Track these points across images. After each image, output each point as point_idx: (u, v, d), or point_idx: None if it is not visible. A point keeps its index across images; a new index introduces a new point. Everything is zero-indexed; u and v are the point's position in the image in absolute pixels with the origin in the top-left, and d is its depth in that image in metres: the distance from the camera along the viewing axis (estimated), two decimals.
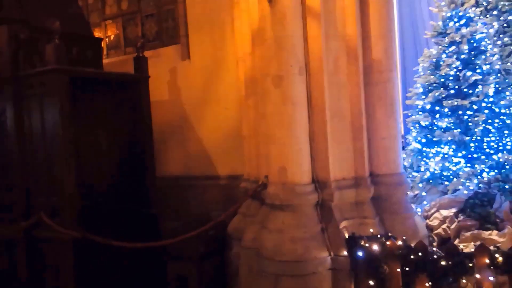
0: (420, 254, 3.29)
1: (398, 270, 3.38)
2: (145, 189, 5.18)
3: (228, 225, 4.66)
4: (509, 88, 5.18)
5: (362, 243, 3.57)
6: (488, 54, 5.02)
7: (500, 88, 5.05)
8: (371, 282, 3.48)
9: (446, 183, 4.86)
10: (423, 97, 5.15)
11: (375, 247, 3.47)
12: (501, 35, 5.62)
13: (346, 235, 3.80)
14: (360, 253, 3.54)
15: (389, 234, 3.68)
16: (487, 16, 5.66)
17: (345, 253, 3.71)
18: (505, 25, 5.66)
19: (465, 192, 4.62)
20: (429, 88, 5.11)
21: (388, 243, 3.48)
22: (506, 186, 4.67)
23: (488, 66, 4.96)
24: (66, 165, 4.37)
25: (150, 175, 5.23)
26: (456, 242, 4.36)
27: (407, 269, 3.36)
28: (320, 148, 4.08)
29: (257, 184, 4.35)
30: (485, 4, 5.75)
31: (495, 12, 5.68)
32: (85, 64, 5.04)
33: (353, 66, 4.19)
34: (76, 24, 5.26)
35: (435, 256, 3.30)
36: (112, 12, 6.89)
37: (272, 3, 3.92)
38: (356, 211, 4.09)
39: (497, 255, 3.19)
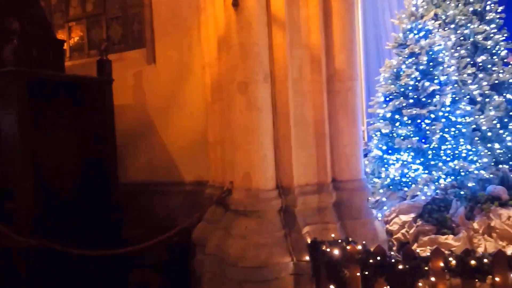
0: (378, 258, 3.39)
1: (358, 274, 3.47)
2: (108, 195, 5.07)
3: (192, 232, 4.63)
4: (465, 99, 5.44)
5: (324, 248, 3.64)
6: (445, 66, 5.25)
7: (456, 98, 5.29)
8: (332, 287, 3.55)
9: (405, 189, 5.03)
10: (384, 105, 5.32)
11: (336, 251, 3.55)
12: (458, 48, 5.88)
13: (309, 240, 3.87)
14: (321, 258, 3.60)
15: (350, 239, 3.77)
16: (445, 29, 5.92)
17: (307, 258, 3.77)
18: (462, 38, 5.93)
19: (423, 198, 4.80)
20: (390, 97, 5.28)
21: (348, 247, 3.56)
22: (462, 192, 4.88)
23: (445, 77, 5.18)
24: (22, 169, 4.22)
25: (113, 180, 5.12)
26: (414, 246, 4.52)
27: (366, 273, 3.45)
28: (284, 155, 4.14)
29: (222, 190, 4.36)
30: (443, 17, 6.01)
31: (452, 26, 5.95)
32: (46, 66, 4.89)
33: (317, 74, 4.29)
34: (37, 25, 5.11)
35: (393, 260, 3.40)
36: (76, 13, 6.75)
37: (237, 11, 3.96)
38: (318, 217, 4.17)
39: (451, 259, 3.33)
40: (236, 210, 4.08)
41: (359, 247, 3.57)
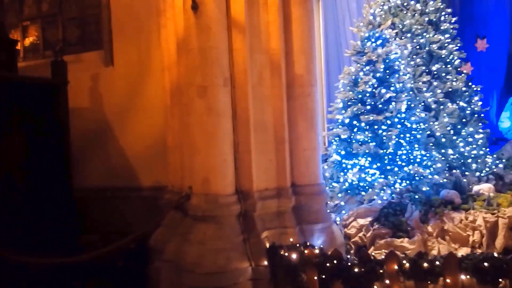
0: (335, 261, 3.42)
1: (315, 277, 3.49)
2: (61, 201, 4.89)
3: (150, 238, 4.52)
4: (420, 106, 5.62)
5: (282, 252, 3.63)
6: (401, 73, 5.41)
7: (412, 105, 5.46)
8: None
9: (363, 193, 5.13)
10: (343, 111, 5.42)
11: (294, 256, 3.56)
12: (414, 56, 6.08)
13: (267, 245, 3.86)
14: (279, 263, 3.60)
15: (308, 243, 3.78)
16: (402, 38, 6.11)
17: (266, 262, 3.75)
18: (417, 47, 6.14)
19: (380, 202, 4.90)
20: (348, 103, 5.38)
21: (306, 251, 3.57)
22: (416, 196, 5.02)
23: (401, 85, 5.34)
24: None
25: (68, 186, 4.95)
26: (371, 249, 4.60)
27: (323, 276, 3.47)
28: (244, 159, 4.12)
29: (181, 196, 4.29)
30: (400, 26, 6.20)
31: (409, 35, 6.15)
32: None
33: (277, 79, 4.31)
34: None
35: (349, 264, 3.44)
36: (31, 13, 6.50)
37: (197, 14, 3.93)
38: (277, 221, 4.17)
39: (405, 262, 3.40)
40: (194, 216, 4.02)
41: (317, 251, 3.59)
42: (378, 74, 5.28)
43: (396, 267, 3.37)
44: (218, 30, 3.98)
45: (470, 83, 6.21)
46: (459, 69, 6.20)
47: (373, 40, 5.44)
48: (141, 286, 4.44)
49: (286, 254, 3.60)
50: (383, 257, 3.66)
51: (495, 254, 3.32)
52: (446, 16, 6.31)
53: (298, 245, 3.73)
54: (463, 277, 3.24)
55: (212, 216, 3.90)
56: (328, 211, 4.83)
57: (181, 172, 4.46)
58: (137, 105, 5.49)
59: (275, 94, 4.30)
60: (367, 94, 5.27)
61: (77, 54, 5.88)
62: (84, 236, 4.91)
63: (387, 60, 5.37)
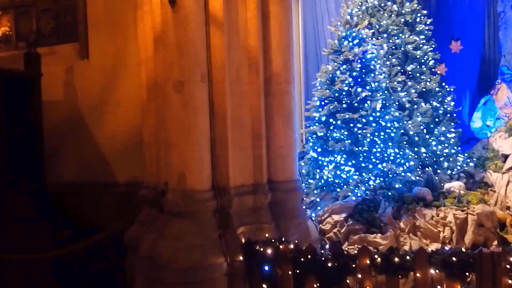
0: (309, 256, 3.46)
1: (290, 272, 3.52)
2: (35, 196, 4.78)
3: (125, 234, 4.48)
4: (394, 105, 5.73)
5: (257, 248, 3.66)
6: (377, 73, 5.50)
7: (387, 104, 5.56)
8: (265, 286, 3.58)
9: (338, 190, 5.20)
10: (320, 109, 5.48)
11: (269, 251, 3.58)
12: (389, 56, 6.19)
13: (243, 241, 3.87)
14: (254, 258, 3.62)
15: (283, 239, 3.82)
16: (378, 38, 6.21)
17: (241, 258, 3.77)
18: (393, 47, 6.25)
19: (354, 198, 4.99)
20: (325, 101, 5.45)
21: (281, 247, 3.61)
22: (390, 193, 5.14)
23: (376, 84, 5.44)
24: None
25: (41, 180, 4.84)
26: (345, 245, 4.69)
27: (298, 271, 3.51)
28: (221, 155, 4.12)
29: (156, 191, 4.25)
30: (377, 27, 6.30)
31: (385, 35, 6.25)
32: None
33: (255, 76, 4.32)
34: None
35: (323, 258, 3.49)
36: (3, 2, 6.32)
37: (175, 8, 3.90)
38: (253, 217, 4.19)
39: (376, 256, 3.47)
40: (170, 212, 4.00)
41: (292, 246, 3.63)
42: (354, 73, 5.36)
43: (368, 261, 3.44)
44: (196, 25, 3.96)
45: (443, 84, 6.36)
46: (433, 69, 6.34)
47: (350, 39, 5.52)
48: (117, 282, 4.40)
49: (262, 249, 3.62)
50: (356, 252, 3.73)
51: (463, 249, 3.42)
52: (422, 17, 6.44)
53: (273, 240, 3.76)
54: (432, 271, 3.33)
55: (188, 212, 3.89)
56: (304, 207, 4.89)
57: (157, 167, 4.43)
58: (112, 99, 5.40)
59: (253, 90, 4.31)
60: (344, 93, 5.34)
61: (51, 46, 5.75)
62: (59, 231, 4.82)
63: (364, 60, 5.46)
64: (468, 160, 5.99)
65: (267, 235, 3.95)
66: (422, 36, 6.33)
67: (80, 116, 5.59)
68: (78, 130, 5.57)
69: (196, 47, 3.96)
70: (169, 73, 4.01)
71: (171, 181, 4.03)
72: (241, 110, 4.26)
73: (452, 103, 6.26)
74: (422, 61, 6.24)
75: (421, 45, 6.27)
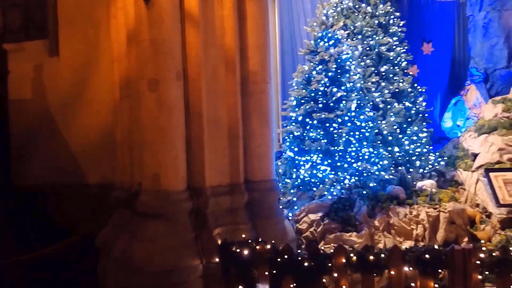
0: (286, 256, 3.45)
1: (266, 273, 3.50)
2: (3, 199, 4.59)
3: (97, 237, 4.36)
4: (369, 105, 5.80)
5: (234, 249, 3.62)
6: (352, 73, 5.56)
7: (361, 104, 5.62)
8: (241, 287, 3.54)
9: (314, 189, 5.22)
10: (296, 109, 5.49)
11: (246, 252, 3.55)
12: (364, 57, 6.26)
13: (219, 242, 3.83)
14: (231, 259, 3.58)
15: (260, 239, 3.80)
16: (353, 39, 6.27)
17: (217, 259, 3.73)
18: (367, 48, 6.32)
19: (330, 197, 5.02)
20: (301, 101, 5.46)
21: (258, 247, 3.58)
22: (364, 192, 5.19)
23: (351, 84, 5.49)
24: None
25: (7, 182, 4.65)
26: (321, 244, 4.71)
27: (274, 271, 3.49)
28: (197, 155, 4.07)
29: (130, 192, 4.16)
30: (351, 28, 6.36)
31: (360, 36, 6.31)
32: None
33: (231, 75, 4.30)
34: None
35: (299, 258, 3.49)
36: None
37: (149, 5, 3.82)
38: (230, 217, 4.16)
39: (352, 255, 3.49)
40: (144, 213, 3.92)
41: (268, 246, 3.60)
42: (330, 73, 5.39)
43: (343, 260, 3.45)
44: (171, 22, 3.89)
45: (415, 85, 6.48)
46: (406, 70, 6.45)
47: (325, 40, 5.55)
48: (89, 286, 4.27)
49: (238, 250, 3.59)
50: (332, 251, 3.75)
51: (436, 247, 3.49)
52: (395, 19, 6.54)
53: (250, 241, 3.73)
54: (406, 269, 3.38)
55: (162, 213, 3.82)
56: (281, 206, 4.89)
57: (130, 168, 4.33)
58: (84, 98, 5.24)
59: (229, 90, 4.28)
60: (320, 93, 5.37)
61: (19, 43, 5.52)
62: (30, 235, 4.64)
63: (339, 60, 5.50)
64: (440, 159, 6.12)
65: (243, 235, 3.93)
66: (395, 38, 6.43)
67: (49, 116, 5.40)
68: (48, 130, 5.38)
69: (171, 45, 3.90)
70: (143, 71, 3.93)
71: (145, 181, 3.95)
72: (217, 110, 4.22)
73: (424, 104, 6.38)
74: (395, 62, 6.34)
75: (394, 47, 6.36)
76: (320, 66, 5.42)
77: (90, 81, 5.22)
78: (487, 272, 3.27)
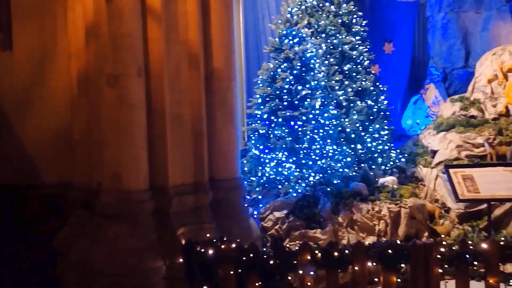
0: (251, 255, 3.41)
1: (232, 272, 3.45)
2: None
3: (54, 239, 4.17)
4: (333, 103, 5.87)
5: (198, 248, 3.55)
6: (316, 72, 5.60)
7: (325, 102, 5.68)
8: (206, 287, 3.47)
9: (280, 186, 5.23)
10: (262, 107, 5.48)
11: (210, 251, 3.49)
12: (328, 56, 6.32)
13: (183, 242, 3.74)
14: (195, 259, 3.51)
15: (224, 238, 3.74)
16: (317, 37, 6.32)
17: (181, 260, 3.64)
18: (331, 47, 6.39)
19: (295, 195, 5.04)
20: (267, 99, 5.45)
21: (223, 246, 3.53)
22: (328, 189, 5.25)
23: (315, 82, 5.53)
24: None
25: None
26: (286, 241, 4.71)
27: (240, 270, 3.45)
28: (160, 154, 3.97)
29: (89, 193, 4.01)
30: (315, 26, 6.41)
31: (323, 35, 6.37)
32: None
33: (195, 72, 4.21)
34: None
35: (265, 256, 3.46)
36: None
37: None
38: (194, 217, 4.09)
39: (317, 252, 3.50)
40: (104, 214, 3.78)
41: (234, 245, 3.56)
42: (294, 71, 5.41)
43: (308, 257, 3.46)
44: (131, 16, 3.77)
45: (377, 83, 6.62)
46: (368, 69, 6.57)
47: (290, 38, 5.56)
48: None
49: (202, 250, 3.52)
50: (297, 248, 3.75)
51: (398, 242, 3.56)
52: (358, 19, 6.64)
53: (214, 240, 3.67)
54: (369, 264, 3.43)
55: (123, 213, 3.70)
56: (246, 205, 4.85)
57: (89, 167, 4.17)
58: (39, 94, 4.99)
59: (193, 86, 4.19)
60: (284, 91, 5.37)
61: None
62: None
63: (303, 58, 5.52)
64: (400, 156, 6.29)
65: (208, 235, 3.85)
66: (358, 37, 6.53)
67: (2, 113, 5.10)
68: (2, 129, 5.08)
69: (132, 40, 3.77)
70: (102, 67, 3.79)
71: (105, 181, 3.82)
72: (181, 107, 4.13)
73: (386, 102, 6.53)
74: (358, 61, 6.44)
75: (357, 46, 6.47)
76: (285, 64, 5.43)
77: (46, 76, 4.97)
78: (446, 266, 3.37)
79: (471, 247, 3.31)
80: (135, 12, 3.79)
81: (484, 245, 3.28)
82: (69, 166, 4.48)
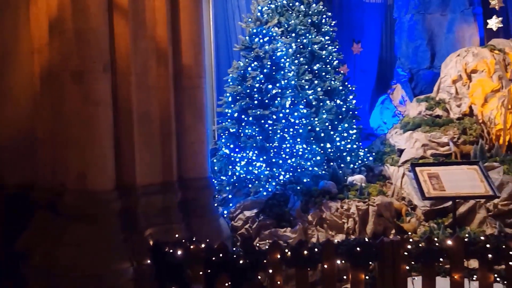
0: (221, 255, 3.39)
1: (201, 273, 3.42)
2: None
3: (16, 243, 4.00)
4: (303, 102, 5.90)
5: (167, 249, 3.49)
6: (286, 71, 5.62)
7: (295, 101, 5.70)
8: None
9: (250, 185, 5.21)
10: (232, 105, 5.44)
11: (179, 252, 3.44)
12: (298, 55, 6.35)
13: (151, 243, 3.68)
14: (163, 260, 3.45)
15: (194, 238, 3.70)
16: (287, 37, 6.34)
17: (149, 261, 3.58)
18: (301, 46, 6.42)
19: (265, 193, 5.04)
20: (237, 97, 5.42)
21: (192, 247, 3.49)
22: (298, 187, 5.28)
23: (286, 81, 5.55)
24: None
25: None
26: (257, 240, 4.71)
27: (209, 271, 3.42)
28: (127, 153, 3.88)
29: (52, 193, 3.87)
30: (286, 26, 6.42)
31: (293, 34, 6.39)
32: None
33: (164, 69, 4.14)
34: None
35: (234, 256, 3.44)
36: None
37: None
38: (163, 217, 4.02)
39: (286, 250, 3.52)
40: (69, 215, 3.67)
41: (203, 245, 3.52)
42: (265, 70, 5.40)
43: (278, 256, 3.46)
44: (97, 11, 3.66)
45: (346, 83, 6.71)
46: (337, 69, 6.65)
47: (260, 36, 5.55)
48: None
49: (171, 250, 3.47)
50: (267, 247, 3.75)
51: (366, 239, 3.62)
52: (327, 19, 6.70)
53: (183, 240, 3.63)
54: (338, 262, 3.47)
55: (89, 214, 3.60)
56: (216, 204, 4.82)
57: (53, 167, 4.02)
58: (0, 91, 4.77)
59: (162, 84, 4.12)
60: (255, 89, 5.36)
61: None
62: None
63: (274, 57, 5.52)
64: (368, 155, 6.39)
65: (177, 235, 3.80)
66: (327, 37, 6.58)
67: None
68: None
69: (98, 35, 3.67)
70: (66, 63, 3.68)
71: (70, 181, 3.70)
72: (149, 105, 4.05)
73: (354, 101, 6.61)
74: (327, 61, 6.49)
75: (326, 46, 6.52)
76: (255, 63, 5.41)
77: (7, 72, 4.72)
78: (413, 262, 3.45)
79: (436, 244, 3.40)
80: (101, 7, 3.69)
81: (449, 242, 3.39)
82: (32, 166, 4.30)
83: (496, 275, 3.56)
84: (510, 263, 3.36)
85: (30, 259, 3.75)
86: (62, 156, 3.81)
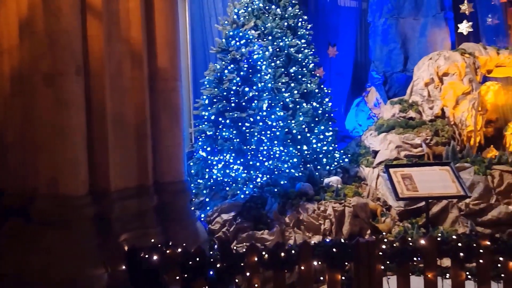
0: (198, 259, 3.36)
1: (178, 277, 3.37)
2: None
3: None
4: (279, 105, 5.93)
5: (142, 255, 3.43)
6: (263, 73, 5.64)
7: (272, 104, 5.73)
8: None
9: (227, 188, 5.20)
10: (209, 108, 5.42)
11: (155, 257, 3.39)
12: (274, 58, 6.39)
13: (126, 248, 3.61)
14: (139, 266, 3.39)
15: (170, 243, 3.65)
16: (264, 39, 6.37)
17: (124, 267, 3.51)
18: (278, 49, 6.46)
19: (243, 196, 5.03)
20: (214, 100, 5.41)
21: (168, 252, 3.44)
22: (275, 190, 5.30)
23: (262, 84, 5.56)
24: None
25: None
26: (234, 243, 4.69)
27: (186, 275, 3.38)
28: (100, 157, 3.80)
29: (23, 199, 3.75)
30: (262, 29, 6.45)
31: (270, 37, 6.43)
32: None
33: (138, 71, 4.08)
34: None
35: (212, 260, 3.41)
36: None
37: None
38: (138, 222, 3.95)
39: (264, 253, 3.51)
40: (40, 221, 3.56)
41: (179, 250, 3.48)
42: (241, 73, 5.41)
43: (256, 259, 3.45)
44: (70, 12, 3.57)
45: (322, 86, 6.79)
46: (313, 72, 6.72)
47: (237, 39, 5.55)
48: None
49: (147, 256, 3.41)
50: (244, 250, 3.73)
51: (342, 240, 3.65)
52: (303, 22, 6.78)
53: (159, 245, 3.57)
54: (315, 263, 3.48)
55: (61, 220, 3.50)
56: (193, 208, 4.78)
57: (23, 172, 3.89)
58: None
59: (136, 86, 4.06)
60: (232, 92, 5.36)
61: None
62: None
63: (250, 60, 5.54)
64: (344, 157, 6.48)
65: (153, 240, 3.74)
66: (303, 40, 6.66)
67: None
68: None
69: (70, 37, 3.58)
70: (37, 65, 3.56)
71: (41, 186, 3.59)
72: (123, 107, 3.98)
73: (330, 104, 6.71)
74: (304, 64, 6.57)
75: (302, 49, 6.59)
76: (232, 65, 5.41)
77: None
78: (388, 262, 3.49)
79: (410, 243, 3.46)
80: (74, 8, 3.60)
81: (422, 242, 3.45)
82: (1, 171, 4.16)
83: (467, 273, 3.65)
84: (481, 261, 3.45)
85: (0, 267, 3.61)
86: (33, 160, 3.69)
